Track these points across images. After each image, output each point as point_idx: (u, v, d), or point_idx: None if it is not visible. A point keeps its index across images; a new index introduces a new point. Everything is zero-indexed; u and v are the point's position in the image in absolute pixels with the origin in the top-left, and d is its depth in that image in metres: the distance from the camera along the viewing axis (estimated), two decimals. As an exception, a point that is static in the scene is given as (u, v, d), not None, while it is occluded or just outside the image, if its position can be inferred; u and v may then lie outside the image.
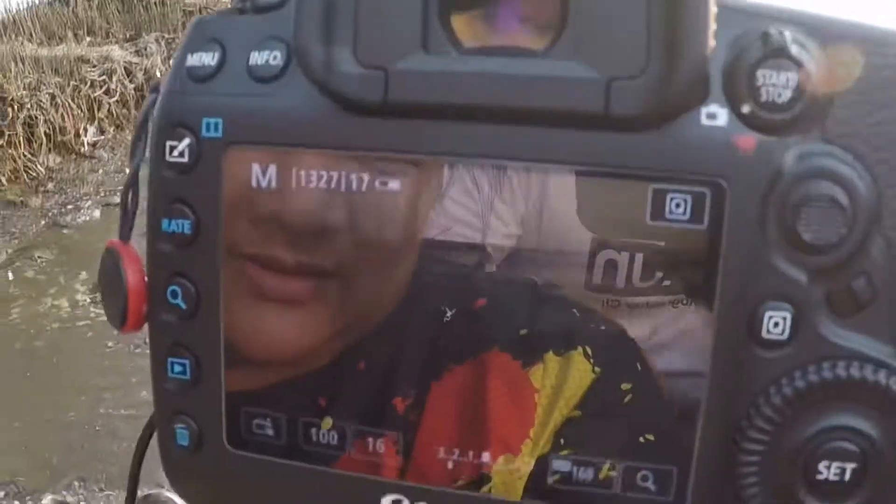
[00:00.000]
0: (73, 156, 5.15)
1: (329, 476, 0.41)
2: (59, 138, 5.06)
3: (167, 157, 0.38)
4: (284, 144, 0.37)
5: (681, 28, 0.32)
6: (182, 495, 0.47)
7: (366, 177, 0.37)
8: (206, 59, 0.38)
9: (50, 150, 5.02)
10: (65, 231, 4.36)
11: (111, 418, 2.92)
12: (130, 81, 5.62)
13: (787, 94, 0.32)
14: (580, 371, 0.38)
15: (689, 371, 0.36)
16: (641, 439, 0.37)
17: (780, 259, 0.34)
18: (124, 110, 5.63)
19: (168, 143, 0.38)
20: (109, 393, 3.06)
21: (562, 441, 0.38)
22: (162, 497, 2.04)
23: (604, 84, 0.33)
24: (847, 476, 0.34)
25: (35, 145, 4.91)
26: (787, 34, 0.33)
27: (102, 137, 5.41)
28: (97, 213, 4.54)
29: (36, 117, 4.87)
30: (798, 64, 0.32)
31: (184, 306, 0.40)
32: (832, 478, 0.34)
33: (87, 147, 5.24)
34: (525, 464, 0.39)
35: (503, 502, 0.39)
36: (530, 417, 0.39)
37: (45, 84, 4.99)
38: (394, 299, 0.39)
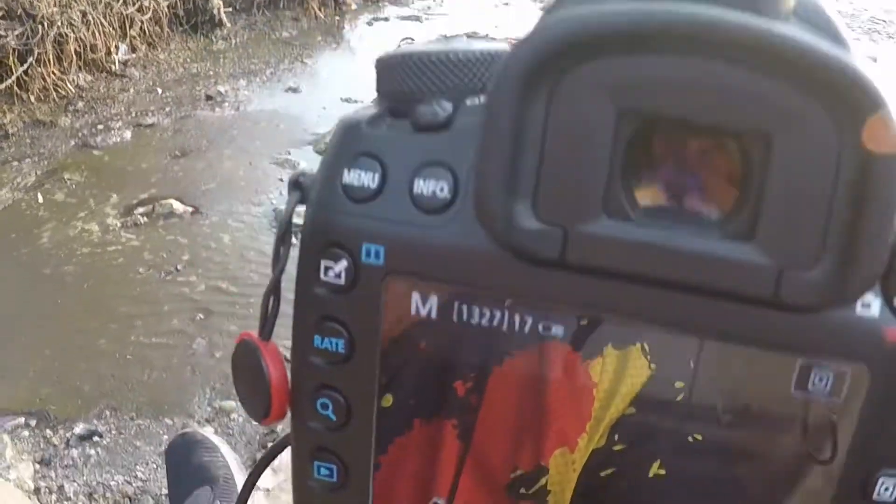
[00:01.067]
0: (104, 74, 5.05)
1: None
2: (89, 56, 4.95)
3: (321, 276, 0.39)
4: (449, 281, 0.38)
5: (862, 230, 0.33)
6: None
7: (529, 321, 0.38)
8: (366, 179, 0.38)
9: (80, 68, 4.91)
10: (95, 152, 4.26)
11: (142, 347, 2.86)
12: (163, -1, 5.51)
13: None
14: (637, 367, 0.40)
15: None
16: (690, 438, 0.40)
17: None
18: (157, 28, 5.53)
19: (323, 263, 0.39)
20: (140, 321, 2.99)
21: (616, 437, 0.41)
22: (198, 434, 1.98)
23: (776, 273, 0.34)
24: None
25: (65, 63, 4.79)
26: None
27: (133, 56, 5.30)
28: (128, 135, 4.44)
29: (66, 35, 4.75)
30: None
31: (334, 418, 0.42)
32: None
33: (118, 66, 5.13)
34: (581, 457, 0.42)
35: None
36: (588, 411, 0.41)
37: (76, 1, 4.86)
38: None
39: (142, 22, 5.34)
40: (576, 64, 0.32)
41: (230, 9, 6.10)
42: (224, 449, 1.99)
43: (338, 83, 5.42)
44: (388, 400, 0.42)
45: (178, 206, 3.76)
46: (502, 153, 0.34)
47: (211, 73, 5.39)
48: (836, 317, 0.35)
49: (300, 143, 4.50)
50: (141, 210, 3.73)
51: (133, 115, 4.72)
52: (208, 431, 2.07)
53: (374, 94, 0.41)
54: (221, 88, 5.15)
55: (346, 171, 0.38)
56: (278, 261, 0.43)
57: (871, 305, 0.35)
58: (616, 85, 0.33)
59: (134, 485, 2.25)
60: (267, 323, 0.44)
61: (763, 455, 0.39)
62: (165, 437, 2.41)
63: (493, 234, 0.36)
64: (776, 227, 0.34)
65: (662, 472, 0.41)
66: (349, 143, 0.39)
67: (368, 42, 6.37)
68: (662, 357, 0.39)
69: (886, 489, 0.37)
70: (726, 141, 0.34)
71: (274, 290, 0.44)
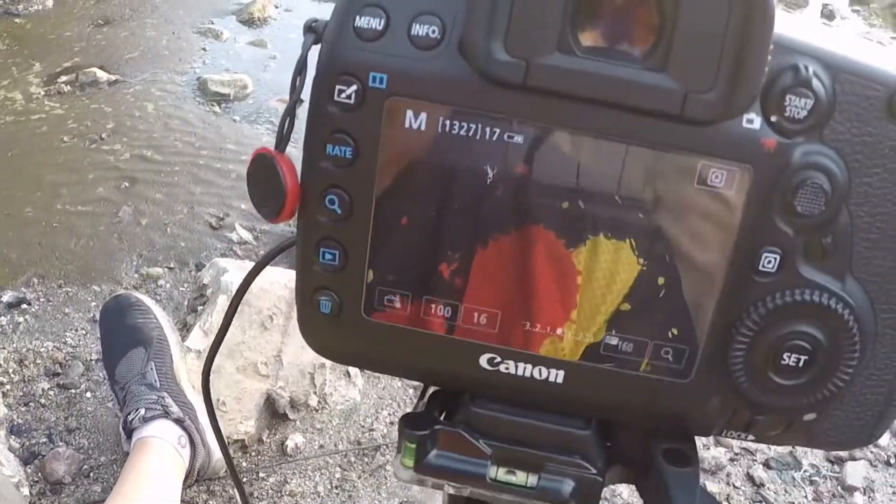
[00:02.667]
0: (24, -60, 4.84)
1: (435, 338, 0.53)
2: (8, -79, 4.73)
3: (335, 97, 0.49)
4: (436, 100, 0.48)
5: (745, 60, 0.44)
6: (315, 349, 0.58)
7: (496, 131, 0.48)
8: (374, 23, 0.48)
9: (-1, -67, 4.69)
10: (16, 20, 4.10)
11: (68, 215, 2.80)
12: None
13: (803, 113, 0.46)
14: (629, 263, 0.50)
15: (705, 281, 0.49)
16: (670, 333, 0.51)
17: (778, 219, 0.48)
18: None
19: (337, 87, 0.48)
20: (66, 189, 2.92)
21: (613, 331, 0.52)
22: (132, 297, 1.96)
23: (682, 94, 0.45)
24: (800, 363, 0.50)
25: (-17, -72, 4.58)
26: (811, 69, 0.46)
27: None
28: (50, 3, 4.26)
29: None
30: (815, 93, 0.46)
31: (339, 211, 0.51)
32: (790, 363, 0.50)
33: (37, -69, 4.91)
34: (571, 349, 0.53)
35: (562, 361, 0.53)
36: (572, 299, 0.51)
37: None
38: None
39: None
40: None
41: None
42: (157, 310, 1.99)
43: (261, -48, 5.27)
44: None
45: (101, 75, 3.65)
46: (485, 4, 0.45)
47: (133, -61, 5.20)
48: (727, 129, 0.46)
49: (223, 13, 4.39)
50: (64, 78, 3.62)
51: (54, -19, 4.56)
52: (141, 294, 2.06)
53: None
54: (144, -44, 4.98)
55: (357, 17, 0.48)
56: (294, 90, 0.52)
57: (753, 121, 0.46)
58: None
59: (64, 350, 2.23)
60: (283, 139, 0.53)
61: (677, 243, 0.49)
62: (94, 304, 2.39)
63: (473, 64, 0.47)
64: (682, 61, 0.45)
65: (650, 367, 0.52)
66: None
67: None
68: (648, 254, 0.50)
69: (769, 262, 0.48)
70: None
71: (290, 112, 0.53)
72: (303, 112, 0.53)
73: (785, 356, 0.50)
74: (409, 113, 0.48)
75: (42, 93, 3.51)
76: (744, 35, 0.43)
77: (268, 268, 2.41)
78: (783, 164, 0.47)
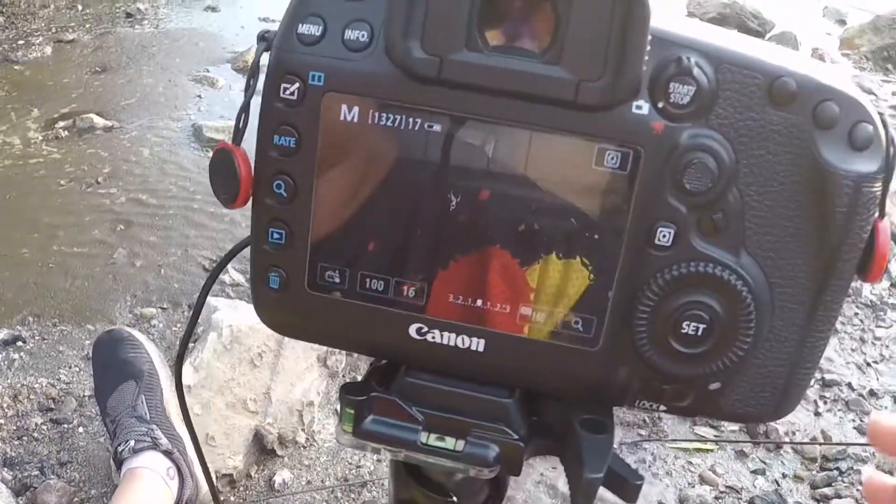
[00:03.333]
0: (24, -11, 4.93)
1: (369, 309, 0.59)
2: (9, -29, 4.83)
3: (280, 94, 0.55)
4: (366, 95, 0.54)
5: (627, 52, 0.50)
6: (266, 322, 0.63)
7: (418, 121, 0.54)
8: (313, 29, 0.55)
9: (0, -17, 4.79)
10: (16, 67, 4.18)
11: (64, 256, 2.85)
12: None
13: (686, 99, 0.52)
14: (579, 276, 0.56)
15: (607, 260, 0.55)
16: (577, 304, 0.56)
17: (670, 197, 0.53)
18: (75, -56, 5.38)
19: (282, 85, 0.55)
20: (62, 231, 2.98)
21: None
22: (124, 332, 2.00)
23: (575, 83, 0.51)
24: (699, 332, 0.54)
25: (-15, -22, 4.67)
26: (692, 60, 0.51)
27: (53, -29, 5.17)
28: (48, 50, 4.36)
29: (-15, -51, 4.62)
30: (697, 80, 0.51)
31: (285, 195, 0.57)
32: (690, 332, 0.54)
33: (38, -19, 5.01)
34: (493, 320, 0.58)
35: (482, 330, 0.59)
36: (526, 314, 0.57)
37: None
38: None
39: (61, -63, 5.20)
40: None
41: (150, -74, 5.96)
42: (148, 345, 2.03)
43: (256, 3, 5.36)
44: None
45: (98, 121, 3.72)
46: (402, 9, 0.51)
47: (131, -10, 5.30)
48: (620, 115, 0.52)
49: (219, 61, 4.47)
50: (62, 124, 3.69)
51: (53, 30, 4.63)
52: (134, 331, 2.11)
53: None
54: (141, 6, 5.06)
55: (300, 25, 0.55)
56: (248, 88, 0.59)
57: (643, 107, 0.52)
58: None
59: (58, 387, 2.27)
60: (238, 133, 0.60)
61: (578, 220, 0.54)
62: (88, 342, 2.43)
63: (395, 62, 0.53)
64: (575, 54, 0.51)
65: (561, 335, 0.58)
66: (303, 6, 0.55)
67: (287, -38, 6.28)
68: (600, 266, 0.55)
69: (664, 236, 0.53)
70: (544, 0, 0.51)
71: (245, 109, 0.60)
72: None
73: (684, 325, 0.54)
74: (344, 107, 0.55)
75: (40, 138, 3.58)
76: (624, 30, 0.50)
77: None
78: (672, 146, 0.52)
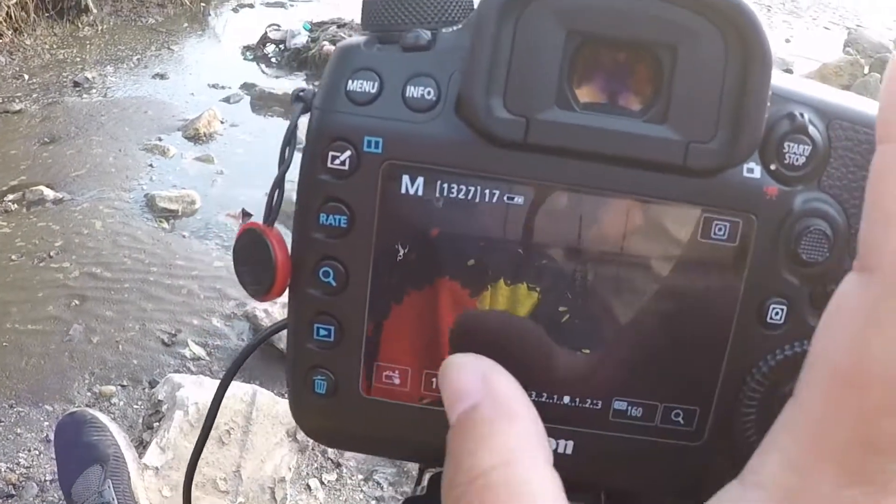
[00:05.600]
0: (-31, 60, 4.89)
1: (440, 413, 0.48)
2: (-47, 42, 4.79)
3: (328, 164, 0.47)
4: (435, 163, 0.47)
5: (746, 108, 0.45)
6: (309, 434, 0.56)
7: (496, 192, 0.47)
8: (367, 86, 0.47)
9: (-56, 54, 4.75)
10: (-37, 141, 4.15)
11: (18, 334, 2.81)
12: (28, -16, 5.35)
13: (801, 160, 0.47)
14: (524, 297, 0.49)
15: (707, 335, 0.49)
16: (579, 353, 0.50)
17: (783, 269, 0.47)
18: (23, 13, 5.37)
19: (330, 153, 0.47)
20: (15, 308, 2.93)
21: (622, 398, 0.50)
22: (87, 414, 1.96)
23: (684, 145, 0.45)
24: None
25: (-71, 49, 4.63)
26: (806, 116, 0.46)
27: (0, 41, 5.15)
28: (-5, 121, 4.32)
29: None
30: (812, 139, 0.46)
31: (334, 284, 0.49)
32: None
33: (-18, 51, 4.97)
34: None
35: (571, 431, 0.51)
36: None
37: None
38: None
39: (8, 7, 5.18)
40: None
41: (96, -5, 5.96)
42: (113, 427, 1.99)
43: (205, 69, 5.37)
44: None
45: (48, 193, 3.68)
46: (483, 62, 0.45)
47: (78, 59, 5.28)
48: (729, 179, 0.46)
49: (169, 129, 4.45)
50: (11, 197, 3.65)
51: (0, 101, 4.59)
52: (97, 412, 2.07)
53: (361, 29, 0.50)
54: (89, 75, 5.04)
55: (350, 82, 0.47)
56: (283, 161, 0.51)
57: (754, 170, 0.46)
58: (564, 11, 0.45)
59: (17, 472, 2.22)
60: (272, 212, 0.51)
61: (681, 300, 0.48)
62: (47, 423, 2.38)
63: (472, 124, 0.46)
64: (682, 112, 0.45)
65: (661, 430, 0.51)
66: (350, 60, 0.48)
67: (234, 28, 6.32)
68: (546, 286, 0.49)
69: (777, 313, 0.48)
70: (644, 51, 0.45)
71: (279, 184, 0.51)
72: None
73: None
74: (406, 178, 0.47)
75: (-12, 214, 3.54)
76: (742, 83, 0.45)
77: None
78: (785, 213, 0.47)
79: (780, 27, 8.28)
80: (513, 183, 0.47)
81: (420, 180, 0.47)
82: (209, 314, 3.00)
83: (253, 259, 0.51)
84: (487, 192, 0.47)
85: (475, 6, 0.47)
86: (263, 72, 5.56)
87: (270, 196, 0.52)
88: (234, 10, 6.81)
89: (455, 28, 0.48)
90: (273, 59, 5.75)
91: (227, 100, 4.93)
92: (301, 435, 2.23)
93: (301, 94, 0.50)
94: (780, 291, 0.48)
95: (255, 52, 5.81)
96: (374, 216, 0.48)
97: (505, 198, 0.47)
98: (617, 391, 0.50)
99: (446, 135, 0.47)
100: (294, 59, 5.69)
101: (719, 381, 0.49)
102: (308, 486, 2.19)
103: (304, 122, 0.50)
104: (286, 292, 0.51)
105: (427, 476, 0.62)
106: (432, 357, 0.50)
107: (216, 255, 3.40)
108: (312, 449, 2.32)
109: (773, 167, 0.47)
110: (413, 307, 0.50)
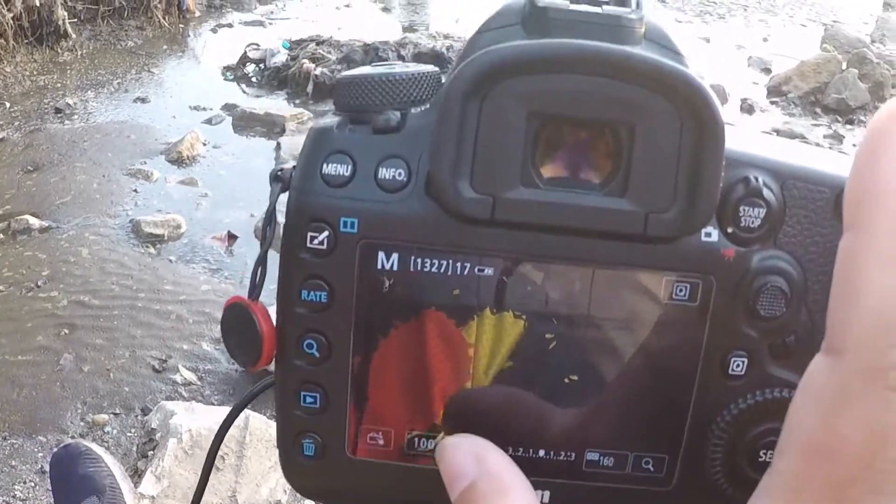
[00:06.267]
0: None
1: (424, 472, 0.53)
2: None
3: (307, 244, 0.49)
4: (406, 241, 0.49)
5: (701, 178, 0.47)
6: (299, 491, 0.57)
7: (467, 265, 0.50)
8: (341, 169, 0.49)
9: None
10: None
11: (8, 365, 2.82)
12: (9, 10, 5.35)
13: (757, 222, 0.49)
14: (511, 325, 0.51)
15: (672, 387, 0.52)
16: (566, 380, 0.52)
17: (743, 324, 0.50)
18: (1, 40, 5.38)
19: (309, 234, 0.49)
20: (4, 339, 2.95)
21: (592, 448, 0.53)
22: (81, 445, 1.98)
23: (643, 216, 0.48)
24: None
25: None
26: (760, 179, 0.49)
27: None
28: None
29: None
30: (766, 201, 0.49)
31: (317, 355, 0.51)
32: (768, 460, 0.46)
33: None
34: None
35: (545, 482, 0.53)
36: (466, 369, 0.52)
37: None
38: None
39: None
40: (499, 81, 0.47)
41: (75, 20, 5.97)
42: (107, 458, 2.00)
43: (185, 91, 5.39)
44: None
45: (34, 222, 3.69)
46: (450, 144, 0.47)
47: (59, 85, 5.29)
48: (688, 244, 0.49)
49: (152, 153, 4.47)
50: (-4, 227, 3.66)
51: (-25, 133, 4.62)
52: (91, 443, 2.08)
53: (333, 109, 0.52)
54: (70, 100, 5.06)
55: (324, 165, 0.49)
56: (265, 239, 0.53)
57: (712, 234, 0.49)
58: (526, 94, 0.47)
59: (13, 504, 2.24)
60: (256, 288, 0.54)
61: (648, 356, 0.51)
62: (41, 454, 2.40)
63: (441, 203, 0.48)
64: (641, 185, 0.47)
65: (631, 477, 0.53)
66: (324, 143, 0.50)
67: (213, 48, 6.33)
68: (531, 314, 0.51)
69: (738, 365, 0.51)
70: (603, 130, 0.48)
71: (262, 261, 0.53)
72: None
73: (762, 454, 0.51)
74: (381, 254, 0.50)
75: (-26, 246, 3.55)
76: (697, 155, 0.47)
77: (214, 409, 2.42)
78: (743, 272, 0.49)
79: (757, 26, 8.33)
80: (482, 256, 0.50)
81: (395, 256, 0.50)
82: (199, 339, 3.03)
83: (240, 331, 0.53)
84: (459, 265, 0.50)
85: (442, 84, 0.50)
86: (244, 91, 5.59)
87: (254, 273, 0.54)
88: (213, 30, 6.83)
89: (423, 108, 0.50)
90: (253, 79, 5.78)
91: (208, 121, 4.96)
92: (294, 458, 2.25)
93: (279, 173, 0.52)
94: (740, 345, 0.50)
95: (236, 72, 5.83)
96: (352, 291, 0.50)
97: (476, 269, 0.50)
98: (589, 443, 0.53)
99: (417, 213, 0.49)
100: (274, 78, 5.72)
101: (686, 430, 0.52)
102: (304, 510, 2.21)
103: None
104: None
105: None
106: (414, 419, 0.53)
107: (203, 278, 3.42)
108: (306, 471, 2.34)
109: (729, 230, 0.49)
110: (400, 342, 0.52)
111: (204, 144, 4.60)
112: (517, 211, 0.48)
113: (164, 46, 6.23)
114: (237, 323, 0.54)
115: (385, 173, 0.49)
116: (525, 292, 0.50)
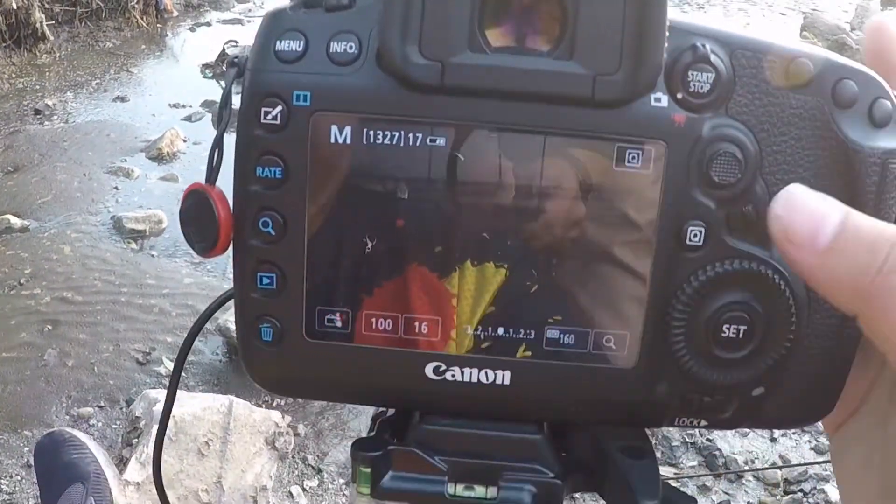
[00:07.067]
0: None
1: (379, 353, 0.54)
2: None
3: (261, 120, 0.50)
4: (360, 111, 0.50)
5: (645, 39, 0.48)
6: (259, 382, 0.57)
7: (419, 135, 0.50)
8: (294, 45, 0.50)
9: None
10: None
11: (-7, 362, 2.82)
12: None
13: (706, 87, 0.49)
14: (492, 274, 0.51)
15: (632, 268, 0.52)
16: (550, 319, 0.52)
17: (697, 193, 0.50)
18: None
19: (263, 109, 0.50)
20: (-11, 336, 2.94)
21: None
22: (66, 433, 1.98)
23: (591, 78, 0.48)
24: (741, 334, 0.51)
25: None
26: (708, 46, 0.49)
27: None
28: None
29: None
30: (715, 67, 0.49)
31: (273, 233, 0.52)
32: (731, 335, 0.51)
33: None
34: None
35: (508, 361, 0.53)
36: (450, 319, 0.53)
37: None
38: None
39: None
40: None
41: (52, 22, 5.96)
42: (91, 445, 2.01)
43: (165, 90, 5.38)
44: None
45: (15, 221, 3.69)
46: (398, 12, 0.48)
47: (37, 87, 5.28)
48: (637, 109, 0.49)
49: (132, 151, 4.47)
50: (-22, 228, 3.66)
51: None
52: (76, 431, 2.08)
53: None
54: (49, 102, 5.05)
55: (277, 42, 0.50)
56: (221, 120, 0.54)
57: (661, 100, 0.49)
58: None
59: (0, 498, 2.24)
60: (213, 171, 0.54)
61: (603, 228, 0.51)
62: (27, 449, 2.40)
63: (392, 72, 0.49)
64: (587, 47, 0.48)
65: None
66: (278, 22, 0.51)
67: (192, 47, 6.32)
68: (513, 261, 0.52)
69: (695, 235, 0.51)
70: None
71: (219, 143, 0.53)
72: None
73: (725, 328, 0.51)
74: (335, 127, 0.50)
75: (-42, 242, 3.54)
76: (641, 16, 0.47)
77: (198, 395, 2.42)
78: (695, 138, 0.49)
79: (736, 15, 8.37)
80: (434, 125, 0.50)
81: (347, 129, 0.50)
82: (182, 331, 3.03)
83: (198, 218, 0.53)
84: (411, 135, 0.50)
85: None
86: (223, 88, 5.54)
87: (211, 156, 0.54)
88: (191, 29, 6.81)
89: None
90: (233, 76, 5.75)
91: (188, 118, 4.94)
92: (280, 443, 2.26)
93: (236, 59, 0.53)
94: (696, 214, 0.50)
95: (215, 70, 5.82)
96: (306, 165, 0.51)
97: (427, 140, 0.50)
98: (548, 319, 0.53)
99: (369, 84, 0.50)
100: (254, 75, 5.67)
101: (646, 304, 0.52)
102: (290, 494, 2.22)
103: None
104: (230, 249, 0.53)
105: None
106: (369, 298, 0.53)
107: (186, 272, 3.42)
108: (293, 457, 2.35)
109: (679, 95, 0.49)
110: (353, 219, 0.52)
111: (184, 141, 4.59)
112: (466, 76, 0.49)
113: (143, 46, 6.21)
114: (195, 210, 0.53)
115: (336, 47, 0.50)
116: (477, 163, 0.51)
